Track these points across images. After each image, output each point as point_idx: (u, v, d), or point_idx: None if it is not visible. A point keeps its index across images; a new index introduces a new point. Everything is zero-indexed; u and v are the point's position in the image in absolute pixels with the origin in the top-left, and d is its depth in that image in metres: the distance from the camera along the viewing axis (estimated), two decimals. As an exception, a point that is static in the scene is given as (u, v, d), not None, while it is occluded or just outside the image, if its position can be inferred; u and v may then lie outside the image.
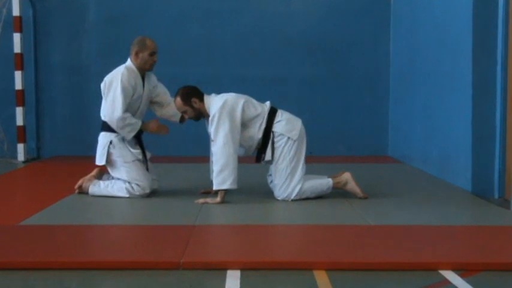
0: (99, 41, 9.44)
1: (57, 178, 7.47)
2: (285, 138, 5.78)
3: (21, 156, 8.89)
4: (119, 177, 6.04)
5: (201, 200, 5.73)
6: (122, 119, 5.85)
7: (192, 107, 5.77)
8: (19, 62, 8.87)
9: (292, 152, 5.78)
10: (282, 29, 9.43)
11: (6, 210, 5.58)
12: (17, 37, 8.82)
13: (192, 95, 5.79)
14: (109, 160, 6.03)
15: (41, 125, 9.51)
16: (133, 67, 6.00)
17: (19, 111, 8.92)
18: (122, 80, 5.87)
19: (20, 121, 8.93)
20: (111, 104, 5.87)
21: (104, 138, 6.06)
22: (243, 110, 5.70)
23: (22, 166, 8.59)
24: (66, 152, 9.42)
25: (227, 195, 5.72)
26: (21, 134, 8.93)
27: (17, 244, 4.36)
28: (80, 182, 6.18)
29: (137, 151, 6.05)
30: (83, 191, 6.14)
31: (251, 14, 9.44)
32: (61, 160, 9.01)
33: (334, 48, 9.46)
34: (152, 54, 6.00)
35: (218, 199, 5.67)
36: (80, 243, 4.35)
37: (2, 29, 8.90)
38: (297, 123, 5.88)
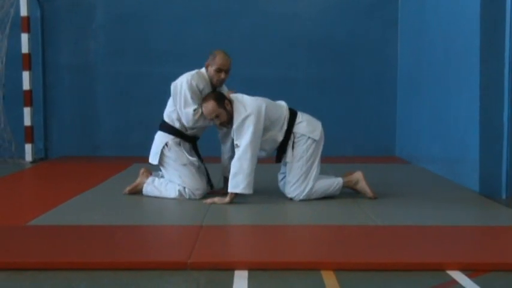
0: (106, 41, 9.46)
1: (65, 178, 7.48)
2: (305, 138, 5.78)
3: (28, 157, 8.91)
4: (171, 179, 5.95)
5: (209, 200, 5.73)
6: (194, 114, 5.77)
7: (225, 109, 5.66)
8: (27, 62, 8.89)
9: (309, 152, 5.78)
10: (289, 30, 9.43)
11: (14, 211, 5.60)
12: (24, 37, 8.85)
13: (224, 97, 5.71)
14: (162, 161, 5.95)
15: (48, 125, 9.54)
16: (205, 74, 5.91)
17: (27, 111, 8.94)
18: (188, 80, 5.79)
19: (27, 121, 8.95)
20: (184, 104, 5.78)
21: (160, 137, 6.00)
22: (266, 114, 5.67)
23: (30, 166, 8.61)
24: (74, 152, 9.45)
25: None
26: (29, 135, 8.95)
27: (24, 244, 4.38)
28: (130, 187, 6.13)
29: (193, 158, 5.96)
30: (137, 190, 6.10)
31: (258, 14, 9.44)
32: (69, 160, 9.03)
33: (342, 49, 9.46)
34: (219, 70, 5.83)
35: (227, 199, 5.65)
36: (88, 244, 4.36)
37: (10, 29, 8.90)
38: (318, 125, 5.90)
